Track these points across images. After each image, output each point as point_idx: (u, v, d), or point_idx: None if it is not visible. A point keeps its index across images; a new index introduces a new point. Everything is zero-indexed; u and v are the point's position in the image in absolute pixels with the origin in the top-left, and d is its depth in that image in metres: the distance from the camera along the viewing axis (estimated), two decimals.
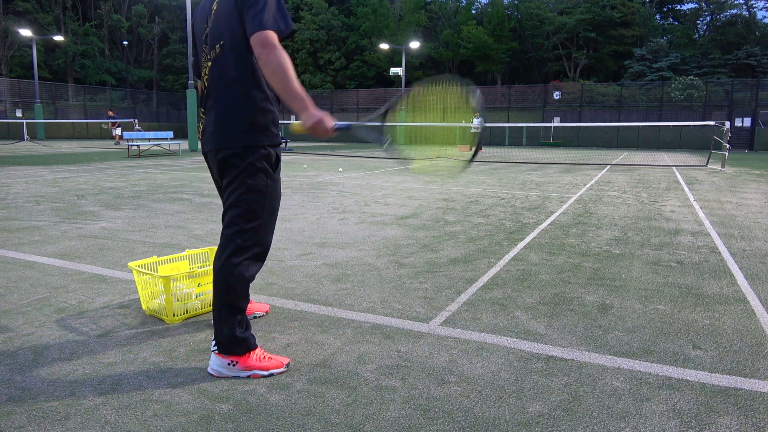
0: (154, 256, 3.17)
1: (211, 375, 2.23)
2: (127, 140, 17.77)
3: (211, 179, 2.38)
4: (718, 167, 14.75)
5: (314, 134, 2.10)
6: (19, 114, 34.07)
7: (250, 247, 2.22)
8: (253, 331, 2.37)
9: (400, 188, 9.11)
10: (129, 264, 2.97)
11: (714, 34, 43.00)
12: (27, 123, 30.04)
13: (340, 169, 12.97)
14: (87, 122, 36.51)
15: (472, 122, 23.78)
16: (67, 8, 45.89)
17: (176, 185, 9.17)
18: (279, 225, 5.30)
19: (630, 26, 43.99)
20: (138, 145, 18.32)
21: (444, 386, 2.16)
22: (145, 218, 5.88)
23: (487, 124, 25.06)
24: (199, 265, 3.25)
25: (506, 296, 3.31)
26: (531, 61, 49.60)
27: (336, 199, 7.57)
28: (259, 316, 2.92)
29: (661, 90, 34.26)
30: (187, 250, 3.38)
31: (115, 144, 26.90)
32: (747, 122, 30.51)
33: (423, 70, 47.37)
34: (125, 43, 50.11)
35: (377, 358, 2.42)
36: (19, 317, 2.87)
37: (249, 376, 2.22)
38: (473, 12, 50.78)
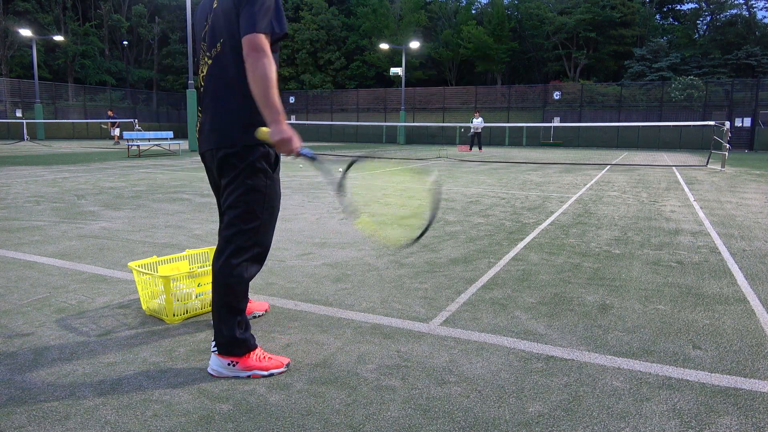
0: (154, 256, 3.17)
1: (211, 375, 2.23)
2: (127, 140, 17.76)
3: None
4: (718, 167, 14.75)
5: (278, 149, 2.09)
6: (19, 114, 34.07)
7: (249, 248, 2.22)
8: (252, 331, 2.37)
9: (400, 188, 9.11)
10: (129, 264, 2.97)
11: (714, 34, 42.99)
12: (27, 123, 30.04)
13: (340, 169, 12.95)
14: (87, 122, 36.51)
15: (472, 122, 23.85)
16: (67, 8, 45.88)
17: (176, 185, 9.17)
18: (279, 225, 5.30)
19: (630, 26, 43.97)
20: (138, 145, 18.32)
21: (444, 386, 2.16)
22: (145, 218, 5.89)
23: (487, 124, 25.04)
24: (199, 265, 3.25)
25: (506, 296, 3.31)
26: (531, 61, 49.60)
27: (336, 199, 7.57)
28: (259, 316, 2.92)
29: (661, 90, 34.25)
30: (187, 250, 3.38)
31: (114, 144, 26.89)
32: (747, 122, 30.50)
33: (423, 70, 47.38)
34: (125, 43, 50.10)
35: (377, 358, 2.42)
36: (19, 317, 2.87)
37: (249, 376, 2.22)
38: (473, 12, 50.76)
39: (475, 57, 45.87)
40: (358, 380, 2.20)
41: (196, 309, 2.93)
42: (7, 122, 31.53)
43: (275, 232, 3.28)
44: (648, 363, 2.40)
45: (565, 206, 7.22)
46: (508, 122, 35.11)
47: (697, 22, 46.70)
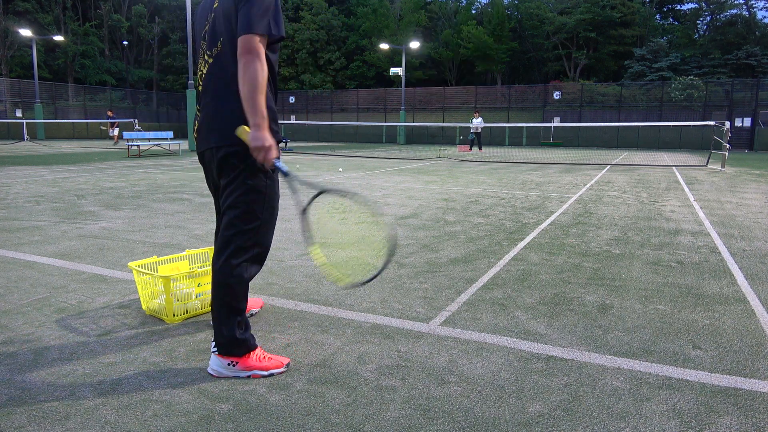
0: (154, 256, 3.17)
1: (211, 375, 2.23)
2: (127, 140, 17.76)
3: None
4: (718, 167, 14.75)
5: (253, 154, 2.09)
6: (19, 114, 34.07)
7: (249, 248, 2.22)
8: (252, 331, 2.38)
9: (400, 188, 9.11)
10: (129, 264, 2.97)
11: (714, 34, 42.99)
12: (27, 123, 30.04)
13: (340, 169, 12.97)
14: (87, 122, 36.52)
15: (472, 122, 23.84)
16: (67, 8, 45.88)
17: (176, 185, 9.17)
18: (279, 225, 5.30)
19: (630, 26, 43.97)
20: (138, 145, 18.32)
21: (444, 386, 2.16)
22: (145, 218, 5.89)
23: (487, 124, 25.06)
24: (199, 265, 3.25)
25: (506, 296, 3.31)
26: (531, 61, 49.60)
27: (336, 199, 7.57)
28: (255, 313, 2.92)
29: (661, 90, 34.26)
30: (187, 250, 3.38)
31: (114, 144, 26.88)
32: (747, 122, 30.51)
33: (423, 70, 47.38)
34: (125, 43, 50.09)
35: (377, 358, 2.42)
36: (19, 317, 2.87)
37: (249, 376, 2.22)
38: (473, 12, 50.76)
39: (475, 57, 45.87)
40: (358, 380, 2.20)
41: (196, 309, 2.93)
42: (7, 122, 31.54)
43: (275, 232, 3.28)
44: (648, 363, 2.40)
45: (565, 206, 7.22)
46: (508, 122, 35.11)
47: (697, 22, 46.70)
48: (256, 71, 2.01)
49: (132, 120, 27.04)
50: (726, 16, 42.86)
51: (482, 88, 40.27)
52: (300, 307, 3.07)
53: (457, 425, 1.88)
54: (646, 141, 32.11)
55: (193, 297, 2.91)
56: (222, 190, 2.25)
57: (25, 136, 28.84)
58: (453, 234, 5.21)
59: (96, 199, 7.36)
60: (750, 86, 32.17)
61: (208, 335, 2.66)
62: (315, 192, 2.29)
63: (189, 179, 10.21)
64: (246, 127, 2.09)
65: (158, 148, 21.71)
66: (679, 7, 50.15)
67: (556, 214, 6.51)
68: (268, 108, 2.19)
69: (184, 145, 23.91)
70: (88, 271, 3.75)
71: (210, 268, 2.86)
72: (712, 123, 16.95)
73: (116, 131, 27.80)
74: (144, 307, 2.94)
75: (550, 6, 46.14)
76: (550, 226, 5.70)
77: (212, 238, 4.87)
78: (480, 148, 24.35)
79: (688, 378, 2.26)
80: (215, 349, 2.24)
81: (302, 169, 13.07)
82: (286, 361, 2.30)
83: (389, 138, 37.61)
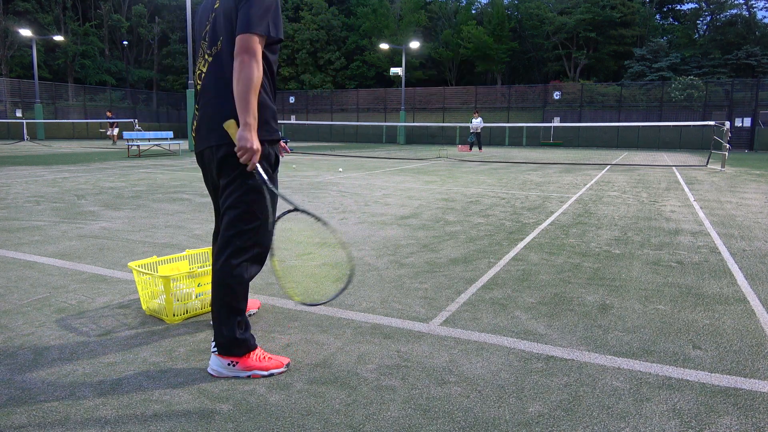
0: (154, 256, 3.17)
1: (211, 375, 2.23)
2: (127, 140, 17.77)
3: None
4: (718, 167, 14.75)
5: (238, 152, 2.07)
6: (19, 114, 34.07)
7: (249, 248, 2.22)
8: (252, 331, 2.37)
9: (400, 188, 9.11)
10: (129, 264, 2.97)
11: (714, 34, 42.99)
12: (27, 123, 30.04)
13: (340, 169, 12.97)
14: (87, 122, 36.52)
15: (471, 122, 23.84)
16: (67, 8, 45.87)
17: (176, 185, 9.17)
18: (278, 225, 5.29)
19: (630, 26, 43.97)
20: (138, 145, 18.32)
21: (444, 386, 2.16)
22: (145, 218, 5.88)
23: (487, 124, 25.07)
24: (199, 265, 3.25)
25: (506, 296, 3.31)
26: (531, 61, 49.60)
27: (336, 199, 7.57)
28: (253, 314, 2.92)
29: (661, 90, 34.26)
30: (187, 250, 3.38)
31: (112, 144, 26.88)
32: (747, 122, 30.51)
33: (423, 70, 47.38)
34: (125, 43, 50.09)
35: (377, 358, 2.42)
36: (19, 317, 2.87)
37: (249, 376, 2.22)
38: (473, 12, 50.76)
39: (475, 57, 45.87)
40: (358, 380, 2.20)
41: (196, 309, 2.93)
42: (7, 122, 31.53)
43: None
44: (648, 363, 2.40)
45: (565, 206, 7.22)
46: (508, 122, 35.11)
47: (697, 22, 46.69)
48: (251, 71, 2.01)
49: (132, 120, 27.04)
50: (726, 16, 42.87)
51: (482, 88, 40.27)
52: (300, 307, 3.07)
53: (457, 425, 1.88)
54: (646, 141, 32.11)
55: (193, 297, 2.91)
56: (222, 190, 2.25)
57: (25, 136, 28.84)
58: (453, 234, 5.21)
59: (96, 199, 7.36)
60: (750, 86, 32.17)
61: (208, 335, 2.66)
62: (289, 207, 2.27)
63: (189, 179, 10.21)
64: (234, 122, 2.08)
65: (158, 148, 21.71)
66: (679, 7, 50.17)
67: (556, 214, 6.51)
68: (268, 107, 2.19)
69: (184, 145, 23.91)
70: (88, 271, 3.75)
71: (210, 268, 2.87)
72: (712, 123, 16.96)
73: (116, 131, 27.80)
74: (144, 307, 2.94)
75: (550, 6, 46.13)
76: (550, 226, 5.70)
77: (212, 238, 4.87)
78: (480, 148, 24.34)
79: (688, 378, 2.26)
80: (215, 349, 2.24)
81: (303, 169, 13.07)
82: (286, 361, 2.30)
83: (389, 138, 37.61)
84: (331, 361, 2.38)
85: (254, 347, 2.27)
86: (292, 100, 43.58)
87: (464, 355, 2.46)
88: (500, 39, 44.95)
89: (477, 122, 23.58)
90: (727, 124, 15.12)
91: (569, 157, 20.24)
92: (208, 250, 3.32)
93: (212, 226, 5.47)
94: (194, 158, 17.04)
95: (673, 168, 14.98)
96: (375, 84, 47.71)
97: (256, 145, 2.06)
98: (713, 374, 2.30)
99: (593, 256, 4.40)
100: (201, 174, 11.66)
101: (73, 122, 36.02)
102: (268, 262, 2.29)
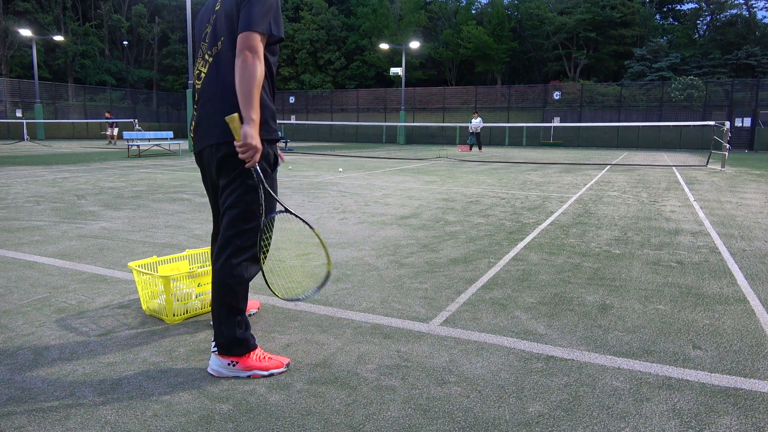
0: (154, 256, 3.17)
1: (211, 375, 2.23)
2: (127, 140, 17.77)
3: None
4: (718, 167, 14.75)
5: (240, 149, 2.05)
6: (19, 114, 34.07)
7: (249, 248, 2.22)
8: (252, 331, 2.37)
9: (400, 188, 9.12)
10: (129, 264, 2.97)
11: (714, 34, 42.99)
12: (27, 123, 30.04)
13: (340, 169, 12.97)
14: (87, 122, 36.51)
15: (471, 122, 23.84)
16: (67, 8, 45.87)
17: (176, 185, 9.17)
18: (278, 225, 5.30)
19: (630, 26, 43.96)
20: (138, 145, 18.32)
21: (444, 386, 2.16)
22: (145, 218, 5.89)
23: (487, 124, 25.07)
24: (199, 265, 3.25)
25: (506, 296, 3.31)
26: (531, 61, 49.59)
27: (336, 199, 7.57)
28: (253, 314, 2.93)
29: (661, 90, 34.26)
30: (187, 250, 3.38)
31: (108, 143, 26.86)
32: (747, 122, 30.51)
33: (423, 70, 47.37)
34: (125, 43, 50.09)
35: (377, 358, 2.42)
36: (19, 317, 2.87)
37: (249, 376, 2.22)
38: (473, 12, 50.75)
39: (475, 57, 45.87)
40: (358, 380, 2.20)
41: (196, 309, 2.93)
42: (7, 122, 31.53)
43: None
44: (648, 363, 2.40)
45: (565, 206, 7.22)
46: (508, 122, 35.11)
47: (697, 22, 46.69)
48: (254, 67, 2.02)
49: (132, 120, 27.03)
50: (726, 16, 42.86)
51: (482, 88, 40.27)
52: (300, 307, 3.07)
53: (457, 425, 1.88)
54: (646, 141, 32.11)
55: (193, 297, 2.91)
56: (221, 190, 2.25)
57: (25, 136, 28.84)
58: (453, 234, 5.21)
59: (96, 199, 7.36)
60: (750, 86, 32.17)
61: (208, 335, 2.66)
62: (281, 208, 2.30)
63: (189, 179, 10.21)
64: (238, 116, 2.06)
65: (158, 148, 21.71)
66: (679, 7, 50.17)
67: (556, 214, 6.51)
68: (268, 107, 2.20)
69: (184, 145, 23.91)
70: (88, 271, 3.75)
71: (210, 268, 2.87)
72: (712, 123, 16.96)
73: (116, 131, 27.80)
74: (144, 307, 2.94)
75: (550, 6, 46.13)
76: (550, 226, 5.70)
77: (211, 239, 4.87)
78: (480, 148, 24.34)
79: (688, 378, 2.26)
80: (215, 348, 2.24)
81: (303, 169, 13.08)
82: (286, 361, 2.30)
83: (389, 138, 37.61)
84: (331, 361, 2.38)
85: (254, 347, 2.27)
86: (292, 100, 43.57)
87: (464, 355, 2.46)
88: (500, 39, 44.95)
89: (476, 122, 23.58)
90: (727, 124, 15.12)
91: (569, 157, 20.24)
92: (208, 250, 3.32)
93: (212, 226, 5.48)
94: (194, 158, 16.94)
95: (673, 168, 14.98)
96: (375, 84, 47.71)
97: (258, 143, 2.06)
98: (713, 374, 2.30)
99: (593, 256, 4.40)
100: (200, 174, 11.72)
101: (73, 122, 36.02)
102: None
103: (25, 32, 32.00)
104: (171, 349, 2.49)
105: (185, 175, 11.02)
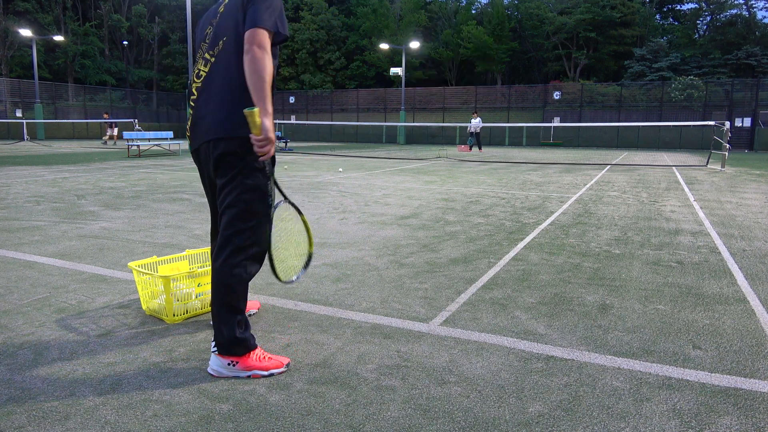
0: (154, 256, 3.17)
1: (211, 375, 2.23)
2: (127, 140, 17.77)
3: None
4: (718, 167, 14.75)
5: (257, 143, 2.06)
6: (19, 114, 34.06)
7: (248, 248, 2.22)
8: (252, 331, 2.37)
9: (400, 188, 9.12)
10: (129, 264, 2.97)
11: (714, 34, 42.99)
12: (27, 123, 30.04)
13: (340, 169, 12.97)
14: (87, 122, 36.51)
15: (471, 122, 23.84)
16: (67, 8, 45.87)
17: (176, 185, 9.17)
18: (278, 225, 5.30)
19: (630, 26, 43.97)
20: (138, 145, 18.32)
21: (444, 386, 2.16)
22: (145, 218, 5.88)
23: (487, 124, 25.07)
24: (199, 265, 3.25)
25: (506, 296, 3.31)
26: (531, 61, 49.59)
27: (336, 199, 7.58)
28: (253, 314, 2.93)
29: (661, 90, 34.25)
30: (187, 250, 3.38)
31: (103, 143, 26.86)
32: (747, 122, 30.51)
33: (423, 70, 47.37)
34: (125, 43, 50.09)
35: (377, 358, 2.42)
36: (19, 317, 2.87)
37: (249, 376, 2.22)
38: (473, 12, 50.76)
39: (475, 57, 45.87)
40: (358, 380, 2.20)
41: (196, 309, 2.93)
42: (7, 122, 31.53)
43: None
44: (648, 363, 2.40)
45: (565, 206, 7.22)
46: (508, 122, 35.10)
47: (697, 22, 46.70)
48: (264, 61, 2.04)
49: (132, 120, 27.03)
50: (726, 16, 42.87)
51: (482, 88, 40.27)
52: (300, 307, 3.07)
53: (457, 425, 1.88)
54: (646, 141, 32.11)
55: (193, 297, 2.91)
56: (219, 190, 2.26)
57: (25, 136, 28.84)
58: (453, 234, 5.21)
59: (96, 199, 7.36)
60: (750, 86, 32.17)
61: (208, 335, 2.66)
62: (282, 197, 2.42)
63: (189, 179, 10.21)
64: (258, 110, 2.03)
65: (158, 148, 21.71)
66: (679, 7, 50.18)
67: (556, 214, 6.51)
68: None
69: (184, 145, 23.90)
70: (88, 271, 3.75)
71: (210, 268, 2.87)
72: (712, 123, 16.96)
73: (115, 131, 27.80)
74: (144, 307, 2.94)
75: (550, 6, 46.13)
76: (550, 226, 5.70)
77: (210, 238, 4.87)
78: (480, 148, 24.34)
79: (688, 378, 2.26)
80: (215, 348, 2.24)
81: (303, 169, 13.07)
82: (286, 361, 2.30)
83: (389, 138, 37.61)
84: (331, 361, 2.38)
85: (254, 347, 2.27)
86: (292, 100, 43.57)
87: (464, 355, 2.46)
88: (500, 39, 44.95)
89: (476, 122, 23.59)
90: (727, 124, 15.12)
91: (569, 157, 20.24)
92: (207, 250, 3.32)
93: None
94: (191, 157, 16.92)
95: (673, 168, 14.98)
96: (375, 84, 47.71)
97: (274, 136, 2.10)
98: (713, 374, 2.30)
99: (593, 256, 4.40)
100: (198, 172, 11.76)
101: (73, 122, 36.02)
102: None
103: (25, 32, 32.01)
104: (171, 349, 2.49)
105: (185, 175, 11.02)
